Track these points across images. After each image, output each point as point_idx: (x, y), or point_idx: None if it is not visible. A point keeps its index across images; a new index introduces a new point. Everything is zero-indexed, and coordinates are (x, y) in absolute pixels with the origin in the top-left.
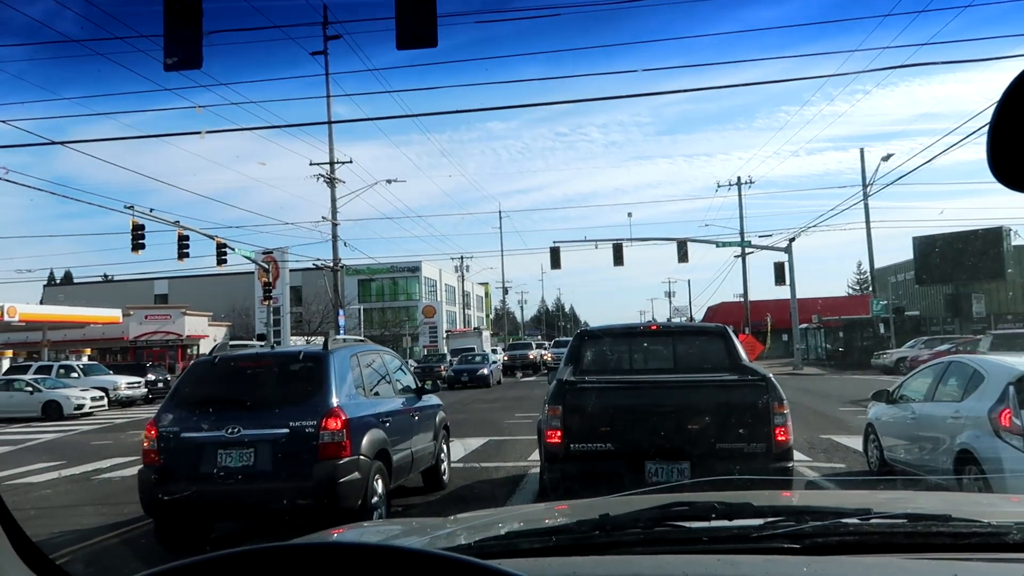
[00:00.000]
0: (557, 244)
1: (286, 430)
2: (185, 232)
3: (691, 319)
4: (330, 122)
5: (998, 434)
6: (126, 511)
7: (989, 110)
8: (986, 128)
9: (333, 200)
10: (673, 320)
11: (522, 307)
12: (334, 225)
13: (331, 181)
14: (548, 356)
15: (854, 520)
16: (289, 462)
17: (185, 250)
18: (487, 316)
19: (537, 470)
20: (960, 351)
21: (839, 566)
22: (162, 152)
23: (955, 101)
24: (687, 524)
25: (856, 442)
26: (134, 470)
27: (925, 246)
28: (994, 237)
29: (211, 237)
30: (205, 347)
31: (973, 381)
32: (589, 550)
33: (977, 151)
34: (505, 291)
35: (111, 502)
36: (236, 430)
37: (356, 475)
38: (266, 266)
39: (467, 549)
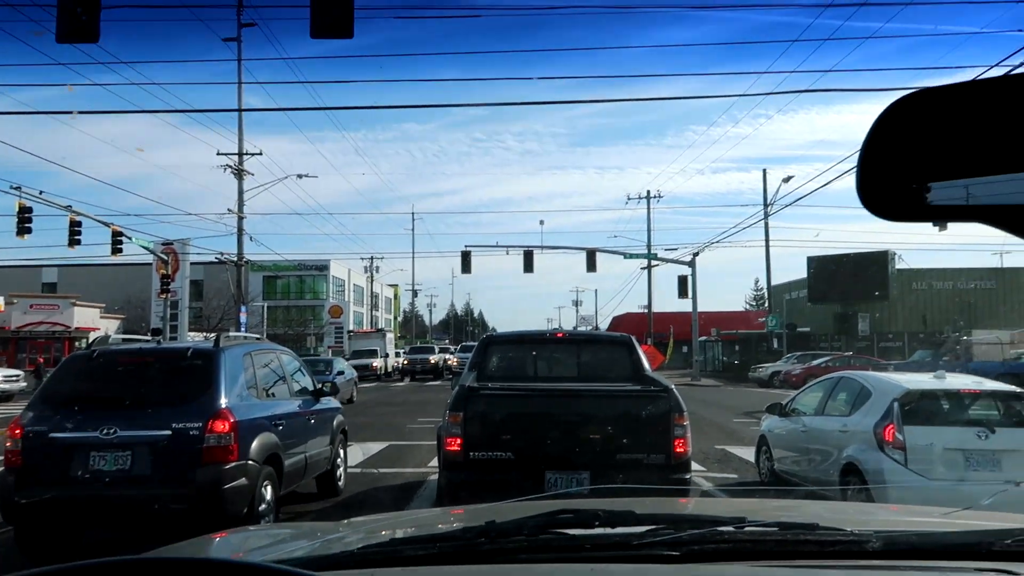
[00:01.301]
0: (469, 248)
1: (168, 432)
2: (78, 218)
3: (597, 328)
4: (240, 110)
5: (882, 448)
6: None
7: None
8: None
9: (240, 192)
10: (580, 328)
11: (431, 310)
12: (240, 218)
13: (239, 172)
14: (453, 361)
15: (729, 528)
16: (170, 466)
17: (77, 237)
18: (395, 318)
19: (436, 477)
20: (831, 367)
21: (711, 574)
22: (58, 132)
23: (850, 130)
24: (571, 532)
25: (749, 453)
26: None
27: (818, 266)
28: (880, 260)
29: (106, 224)
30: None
31: (861, 397)
32: (474, 557)
33: None
34: (415, 293)
35: None
36: (112, 431)
37: (243, 481)
38: (165, 258)
39: (350, 556)
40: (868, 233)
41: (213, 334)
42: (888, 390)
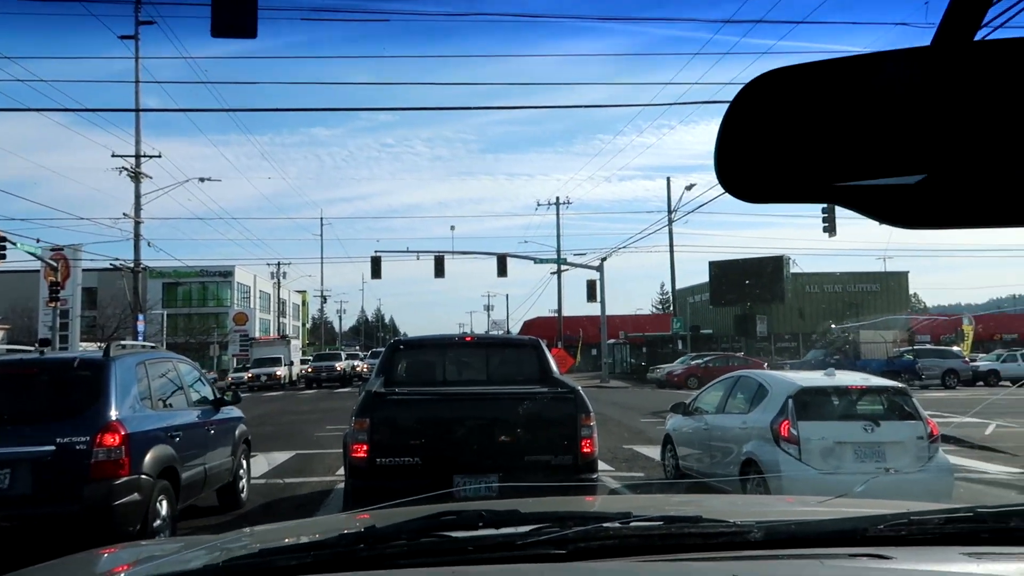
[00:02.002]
0: (379, 254)
1: (52, 447)
2: None
3: (508, 332)
4: (138, 110)
5: (778, 443)
6: None
7: None
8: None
9: (137, 196)
10: (491, 333)
11: (341, 316)
12: (137, 223)
13: (136, 175)
14: (364, 367)
15: (615, 524)
16: (55, 484)
17: None
18: (304, 325)
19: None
20: (711, 366)
21: (604, 571)
22: None
23: None
24: (454, 534)
25: (656, 451)
26: None
27: (719, 271)
28: (776, 265)
29: None
30: None
31: (759, 395)
32: (351, 564)
33: None
34: (324, 300)
35: None
36: None
37: (135, 496)
38: (54, 264)
39: (215, 570)
40: (766, 239)
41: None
42: (783, 388)
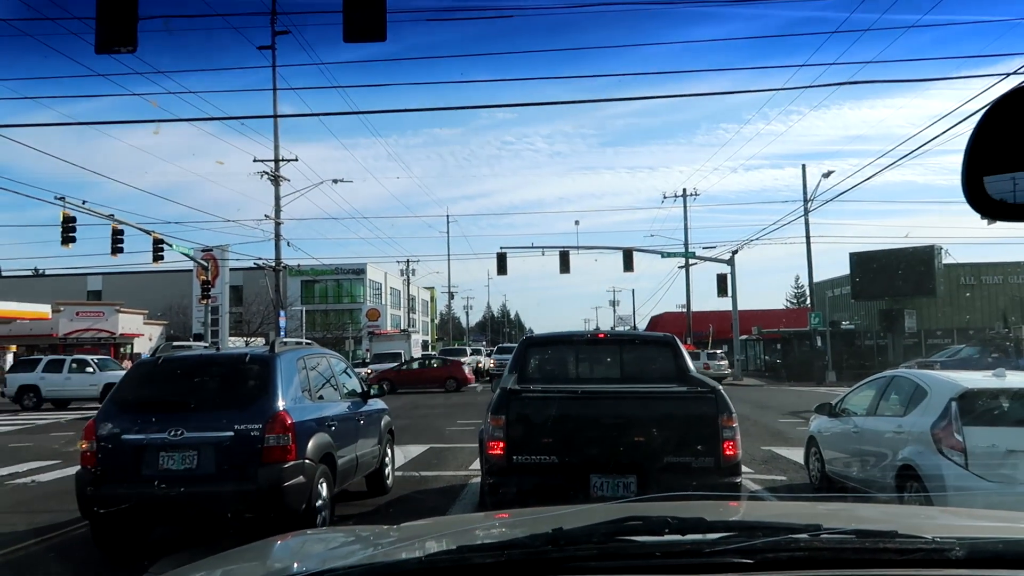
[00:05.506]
0: (504, 250)
1: (230, 433)
2: (120, 226)
3: (634, 328)
4: (276, 116)
5: (940, 450)
6: (39, 520)
7: (919, 136)
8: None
9: (277, 198)
10: (617, 329)
11: (467, 312)
12: (277, 224)
13: (275, 179)
14: (491, 363)
15: (805, 536)
16: (233, 465)
17: (120, 245)
18: (432, 320)
19: (478, 479)
20: (403, 370)
21: None
22: (99, 144)
23: (883, 125)
24: (641, 539)
25: (796, 454)
26: (53, 475)
27: (861, 262)
28: (926, 255)
29: (147, 232)
30: (139, 346)
31: (916, 396)
32: (542, 566)
33: (904, 173)
34: (451, 296)
35: (23, 510)
36: (179, 432)
37: (301, 479)
38: (205, 264)
39: (418, 563)
40: (911, 228)
41: (255, 339)
42: (945, 389)
